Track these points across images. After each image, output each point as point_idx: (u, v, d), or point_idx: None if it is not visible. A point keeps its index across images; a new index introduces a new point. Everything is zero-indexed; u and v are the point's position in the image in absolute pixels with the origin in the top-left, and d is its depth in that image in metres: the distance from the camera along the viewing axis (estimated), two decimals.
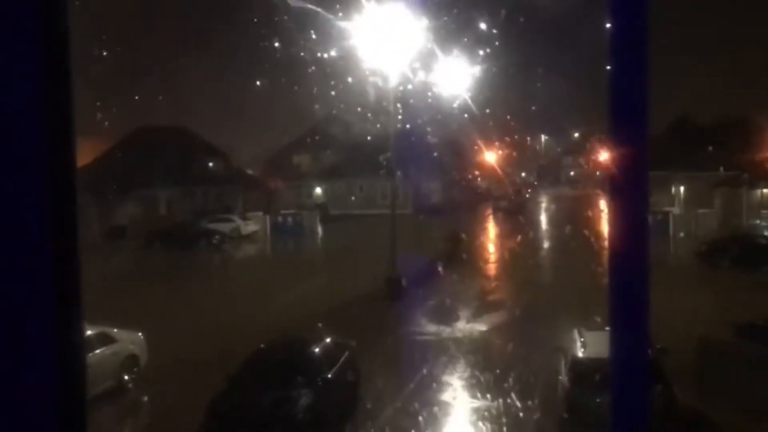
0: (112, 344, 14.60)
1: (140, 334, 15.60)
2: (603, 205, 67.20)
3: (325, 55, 25.73)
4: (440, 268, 28.26)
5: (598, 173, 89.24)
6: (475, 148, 65.90)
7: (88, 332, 14.54)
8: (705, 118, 57.66)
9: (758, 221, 43.44)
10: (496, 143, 70.71)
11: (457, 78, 30.06)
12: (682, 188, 51.90)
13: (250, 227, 45.68)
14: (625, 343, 1.44)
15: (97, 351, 14.16)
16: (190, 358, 16.53)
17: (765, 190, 45.78)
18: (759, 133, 47.36)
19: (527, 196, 75.05)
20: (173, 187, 50.69)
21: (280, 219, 48.90)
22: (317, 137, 58.71)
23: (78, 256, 1.21)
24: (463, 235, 35.24)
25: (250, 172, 64.83)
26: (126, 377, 14.69)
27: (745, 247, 29.66)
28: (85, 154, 54.25)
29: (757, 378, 12.74)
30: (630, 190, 1.46)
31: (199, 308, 23.46)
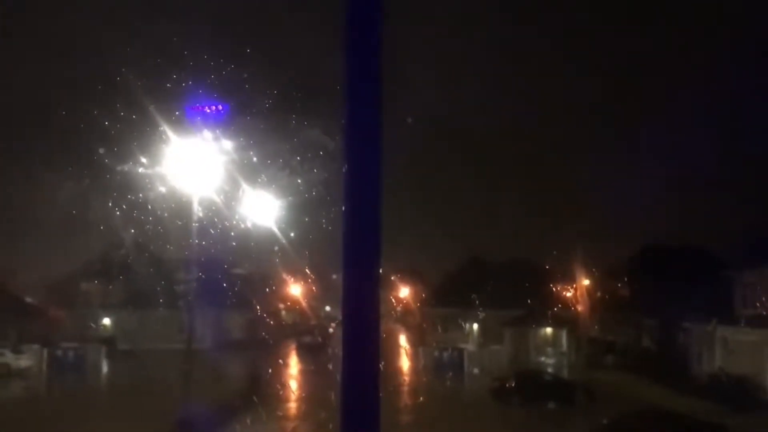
0: None
1: None
2: (403, 340, 68.87)
3: (123, 178, 24.40)
4: (237, 409, 26.42)
5: (399, 307, 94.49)
6: (281, 280, 65.22)
7: None
8: (496, 257, 61.81)
9: (543, 358, 46.47)
10: (302, 276, 70.50)
11: (264, 210, 29.66)
12: (475, 326, 54.49)
13: (22, 362, 40.50)
14: None
15: None
16: None
17: (548, 330, 49.38)
18: (543, 276, 51.63)
19: (331, 330, 74.87)
20: None
21: (59, 353, 43.98)
22: (109, 264, 54.91)
23: None
24: (263, 374, 33.72)
25: (28, 299, 58.51)
26: None
27: (532, 384, 31.37)
28: None
29: None
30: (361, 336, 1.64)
31: None
